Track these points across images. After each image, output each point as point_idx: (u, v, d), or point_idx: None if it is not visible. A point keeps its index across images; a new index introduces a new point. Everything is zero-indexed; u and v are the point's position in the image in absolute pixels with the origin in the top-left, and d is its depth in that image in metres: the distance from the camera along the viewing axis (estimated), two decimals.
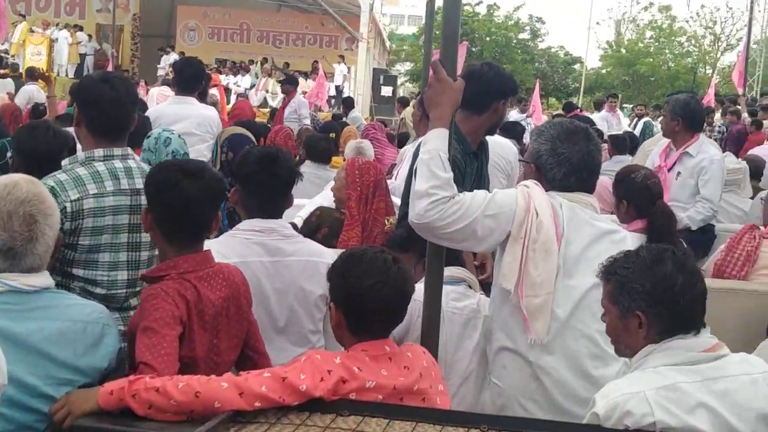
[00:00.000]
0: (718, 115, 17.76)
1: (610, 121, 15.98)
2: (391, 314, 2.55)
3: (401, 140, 10.35)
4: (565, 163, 3.06)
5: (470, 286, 3.51)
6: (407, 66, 47.32)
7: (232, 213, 4.50)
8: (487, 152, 4.22)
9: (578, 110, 17.12)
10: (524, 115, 16.57)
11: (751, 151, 9.47)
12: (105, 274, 3.07)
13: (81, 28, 27.00)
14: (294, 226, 3.87)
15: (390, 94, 24.72)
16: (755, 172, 7.31)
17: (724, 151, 7.41)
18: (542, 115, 19.01)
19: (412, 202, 2.86)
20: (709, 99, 20.24)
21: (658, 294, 2.36)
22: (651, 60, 43.32)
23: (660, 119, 7.28)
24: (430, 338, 2.98)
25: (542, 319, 2.90)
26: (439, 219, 2.81)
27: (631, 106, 26.99)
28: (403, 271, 2.55)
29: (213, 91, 14.06)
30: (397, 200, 4.61)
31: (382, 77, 26.25)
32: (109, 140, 3.17)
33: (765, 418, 2.31)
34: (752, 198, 6.68)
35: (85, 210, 3.00)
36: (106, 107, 3.14)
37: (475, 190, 3.00)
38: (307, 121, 12.43)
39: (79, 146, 3.47)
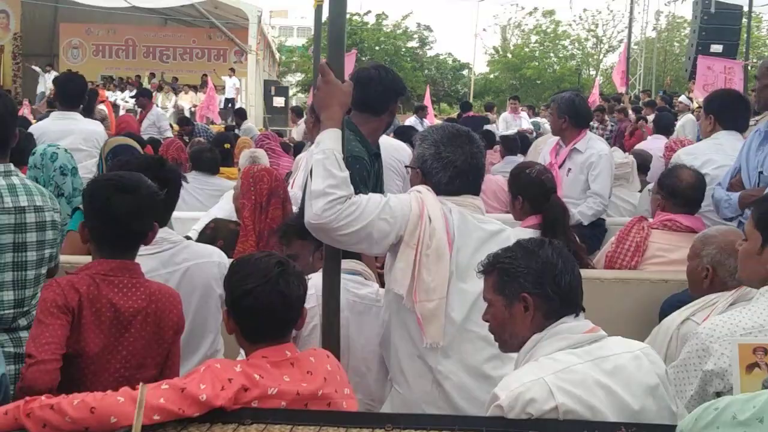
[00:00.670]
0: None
1: (509, 122, 16.31)
2: (277, 317, 2.51)
3: (298, 149, 10.28)
4: (450, 167, 3.09)
5: (366, 279, 3.48)
6: (298, 77, 47.10)
7: None
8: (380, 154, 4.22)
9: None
10: (420, 120, 16.73)
11: (637, 146, 9.74)
12: None
13: None
14: (188, 239, 3.79)
15: (282, 105, 24.79)
16: (642, 167, 7.51)
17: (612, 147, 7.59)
18: (435, 120, 19.23)
19: (309, 203, 2.83)
20: (594, 98, 20.87)
21: (543, 274, 2.45)
22: (537, 64, 44.48)
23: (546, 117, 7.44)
24: (329, 325, 2.97)
25: (436, 323, 2.92)
26: (335, 219, 2.79)
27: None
28: (288, 274, 2.52)
29: (101, 107, 13.66)
30: (295, 209, 4.54)
31: (273, 88, 26.39)
32: None
33: (651, 390, 2.40)
34: (640, 191, 6.83)
35: None
36: None
37: (370, 193, 3.01)
38: (168, 133, 11.97)
39: None
